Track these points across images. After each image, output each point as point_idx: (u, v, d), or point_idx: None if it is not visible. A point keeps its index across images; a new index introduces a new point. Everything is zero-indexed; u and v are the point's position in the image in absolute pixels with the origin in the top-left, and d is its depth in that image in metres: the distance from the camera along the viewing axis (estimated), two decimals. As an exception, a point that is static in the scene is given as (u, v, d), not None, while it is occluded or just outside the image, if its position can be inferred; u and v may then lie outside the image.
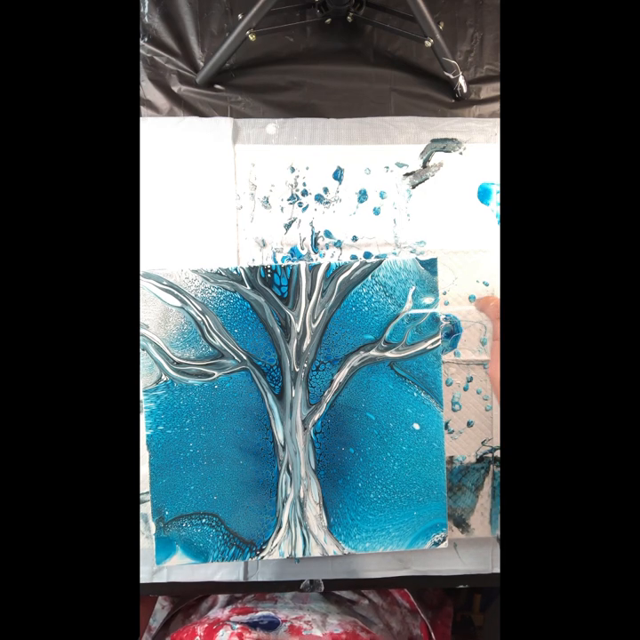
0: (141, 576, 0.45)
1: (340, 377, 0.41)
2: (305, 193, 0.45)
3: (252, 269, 0.41)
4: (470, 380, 0.46)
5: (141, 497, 0.44)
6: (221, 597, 0.53)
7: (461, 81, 0.46)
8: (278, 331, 0.41)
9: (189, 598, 0.54)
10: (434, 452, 0.42)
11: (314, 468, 0.42)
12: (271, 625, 0.43)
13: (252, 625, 0.42)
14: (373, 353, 0.41)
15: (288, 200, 0.45)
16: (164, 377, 0.41)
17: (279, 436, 0.42)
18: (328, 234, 0.45)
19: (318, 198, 0.45)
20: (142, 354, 0.40)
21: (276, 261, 0.45)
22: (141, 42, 0.46)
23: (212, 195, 0.45)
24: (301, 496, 0.42)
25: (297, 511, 0.42)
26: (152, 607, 0.55)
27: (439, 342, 0.41)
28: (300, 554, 0.42)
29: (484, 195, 0.46)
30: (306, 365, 0.41)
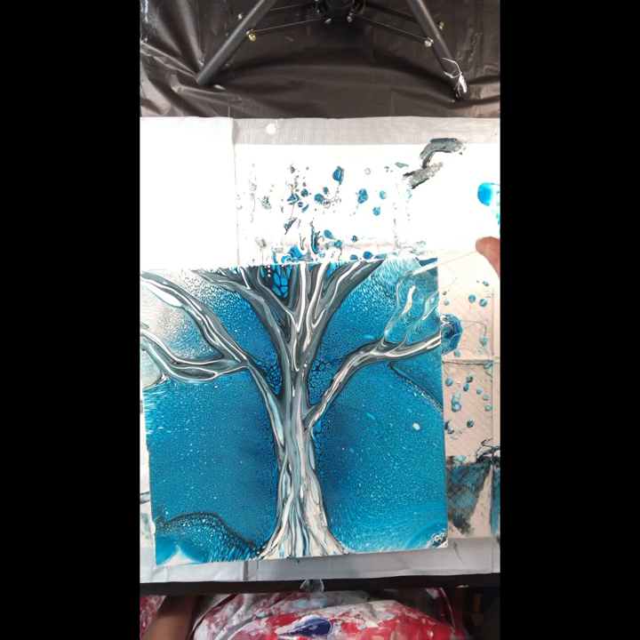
0: (141, 576, 0.45)
1: (340, 377, 0.41)
2: (305, 193, 0.45)
3: (252, 269, 0.41)
4: (470, 380, 0.46)
5: (141, 497, 0.44)
6: (246, 598, 0.52)
7: (461, 81, 0.46)
8: (278, 331, 0.41)
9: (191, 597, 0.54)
10: (434, 451, 0.42)
11: (314, 467, 0.42)
12: (322, 628, 0.42)
13: (306, 633, 0.42)
14: (373, 353, 0.41)
15: (288, 200, 0.45)
16: (164, 377, 0.41)
17: (279, 436, 0.42)
18: (328, 234, 0.45)
19: (318, 198, 0.45)
20: (142, 354, 0.40)
21: (275, 261, 0.45)
22: (141, 42, 0.46)
23: (212, 195, 0.45)
24: (301, 496, 0.42)
25: (297, 511, 0.42)
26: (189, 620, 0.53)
27: (439, 342, 0.41)
28: (300, 554, 0.42)
29: (483, 195, 0.46)
30: (306, 365, 0.41)
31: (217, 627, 0.50)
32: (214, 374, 0.41)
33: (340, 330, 0.41)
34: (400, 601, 0.48)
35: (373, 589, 0.51)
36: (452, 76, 0.46)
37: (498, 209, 0.46)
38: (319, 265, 0.41)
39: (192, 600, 0.53)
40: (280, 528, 0.42)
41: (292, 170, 0.45)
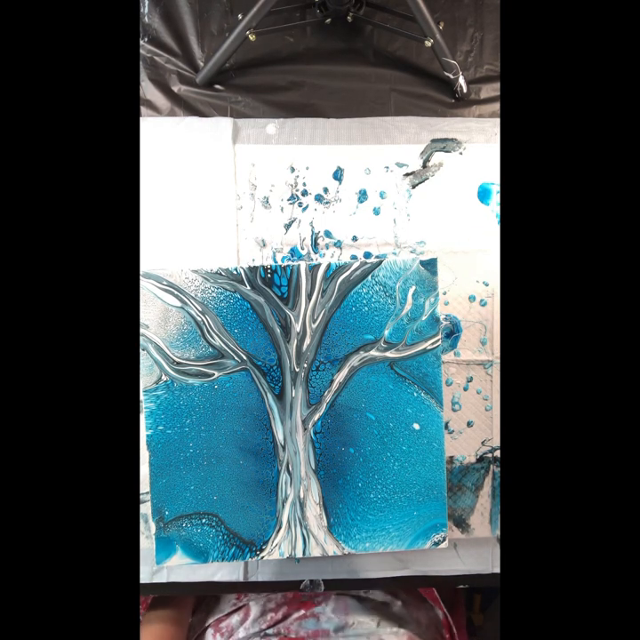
0: (141, 576, 0.45)
1: (340, 377, 0.41)
2: (305, 193, 0.45)
3: (252, 269, 0.41)
4: (470, 380, 0.46)
5: (141, 497, 0.44)
6: (253, 610, 0.52)
7: (461, 81, 0.46)
8: (278, 331, 0.41)
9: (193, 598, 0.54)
10: (434, 451, 0.42)
11: (314, 467, 0.42)
12: None
13: None
14: (373, 353, 0.41)
15: (288, 200, 0.45)
16: (164, 377, 0.41)
17: (279, 436, 0.41)
18: (328, 234, 0.45)
19: (318, 198, 0.45)
20: (142, 354, 0.40)
21: (275, 261, 0.45)
22: (141, 42, 0.46)
23: (211, 195, 0.45)
24: (301, 496, 0.42)
25: (297, 511, 0.42)
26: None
27: (439, 342, 0.41)
28: (300, 554, 0.42)
29: (483, 195, 0.46)
30: (306, 365, 0.41)
31: (222, 637, 0.51)
32: (214, 374, 0.41)
33: (340, 330, 0.41)
34: (407, 622, 0.48)
35: (373, 587, 0.51)
36: (452, 76, 0.46)
37: (498, 209, 0.46)
38: (319, 265, 0.41)
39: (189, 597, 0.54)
40: (280, 528, 0.42)
41: (292, 170, 0.45)
